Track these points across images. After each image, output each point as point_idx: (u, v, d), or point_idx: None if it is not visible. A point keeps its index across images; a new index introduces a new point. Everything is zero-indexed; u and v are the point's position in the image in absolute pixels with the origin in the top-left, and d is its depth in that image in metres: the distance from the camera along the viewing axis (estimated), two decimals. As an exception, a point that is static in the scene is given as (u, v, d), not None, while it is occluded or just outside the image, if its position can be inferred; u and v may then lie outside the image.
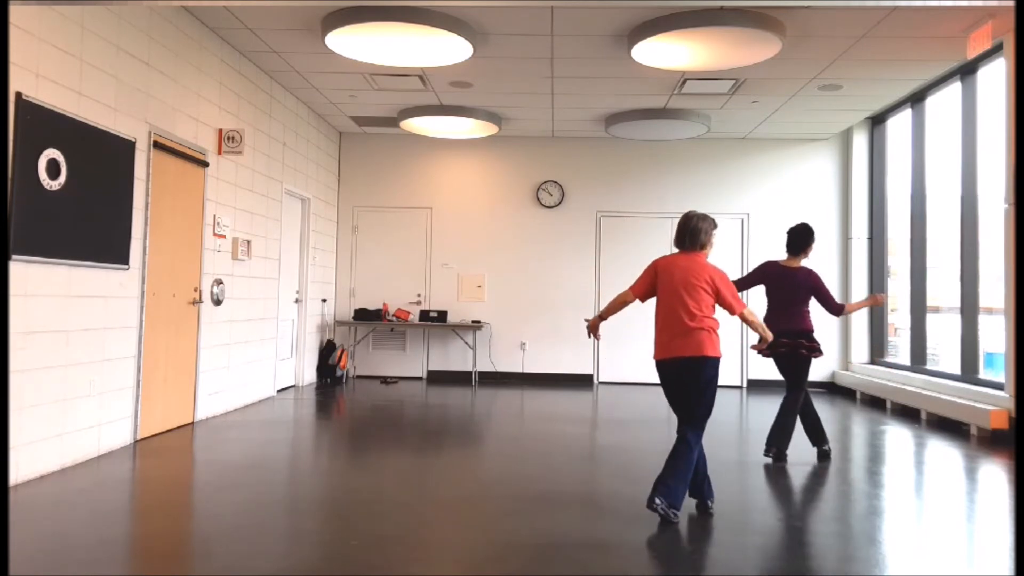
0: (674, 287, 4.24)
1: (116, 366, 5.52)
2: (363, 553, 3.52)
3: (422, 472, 5.10)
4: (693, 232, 4.34)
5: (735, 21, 5.92)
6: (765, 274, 5.83)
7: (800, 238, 5.77)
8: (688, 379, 4.19)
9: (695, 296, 4.20)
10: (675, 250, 4.45)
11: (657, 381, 9.21)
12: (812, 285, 5.72)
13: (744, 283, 5.79)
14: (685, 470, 4.10)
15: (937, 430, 7.16)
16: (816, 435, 5.77)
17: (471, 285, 10.62)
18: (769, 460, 5.65)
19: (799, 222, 5.95)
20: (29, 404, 4.60)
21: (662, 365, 4.28)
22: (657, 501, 4.01)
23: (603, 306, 4.41)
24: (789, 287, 5.73)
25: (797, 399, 5.69)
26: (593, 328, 4.58)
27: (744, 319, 4.42)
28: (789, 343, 5.65)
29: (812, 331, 5.73)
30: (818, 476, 5.22)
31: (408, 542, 3.68)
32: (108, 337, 5.40)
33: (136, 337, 5.76)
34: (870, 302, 5.97)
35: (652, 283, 4.37)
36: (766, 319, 5.77)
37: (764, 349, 5.50)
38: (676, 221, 10.91)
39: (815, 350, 5.68)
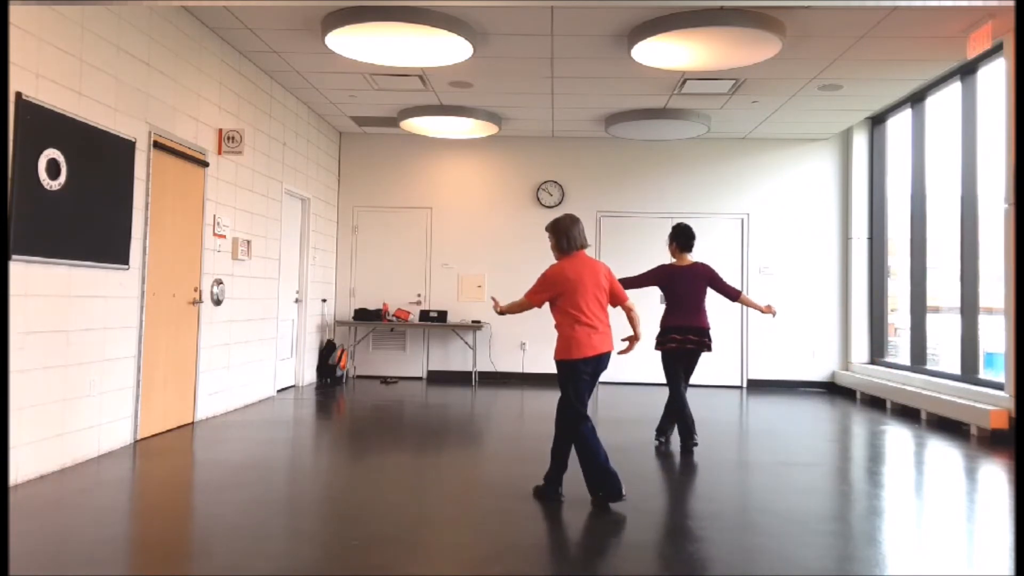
0: (587, 288, 4.42)
1: (116, 366, 5.52)
2: (363, 553, 3.52)
3: (422, 472, 5.10)
4: (577, 234, 4.52)
5: (735, 21, 5.92)
6: (660, 276, 6.14)
7: (690, 236, 6.13)
8: (600, 372, 4.47)
9: (602, 295, 4.49)
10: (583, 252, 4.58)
11: (658, 381, 9.24)
12: (709, 276, 6.07)
13: (638, 281, 6.12)
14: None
15: (937, 430, 7.16)
16: (690, 432, 6.02)
17: (471, 285, 10.62)
18: (659, 444, 6.13)
19: (679, 222, 6.41)
20: (29, 404, 4.60)
21: (587, 362, 4.38)
22: (623, 494, 4.30)
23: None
24: (689, 283, 6.05)
25: (684, 392, 6.08)
26: (496, 306, 4.70)
27: (629, 310, 4.65)
28: (697, 340, 5.99)
29: (710, 328, 6.08)
30: (818, 476, 5.22)
31: (408, 542, 3.68)
32: (108, 337, 5.40)
33: (136, 337, 5.76)
34: (765, 309, 6.15)
35: (552, 295, 4.47)
36: (666, 317, 6.13)
37: (671, 346, 5.99)
38: (675, 221, 10.94)
39: (709, 347, 6.04)
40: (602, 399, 8.97)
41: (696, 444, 5.98)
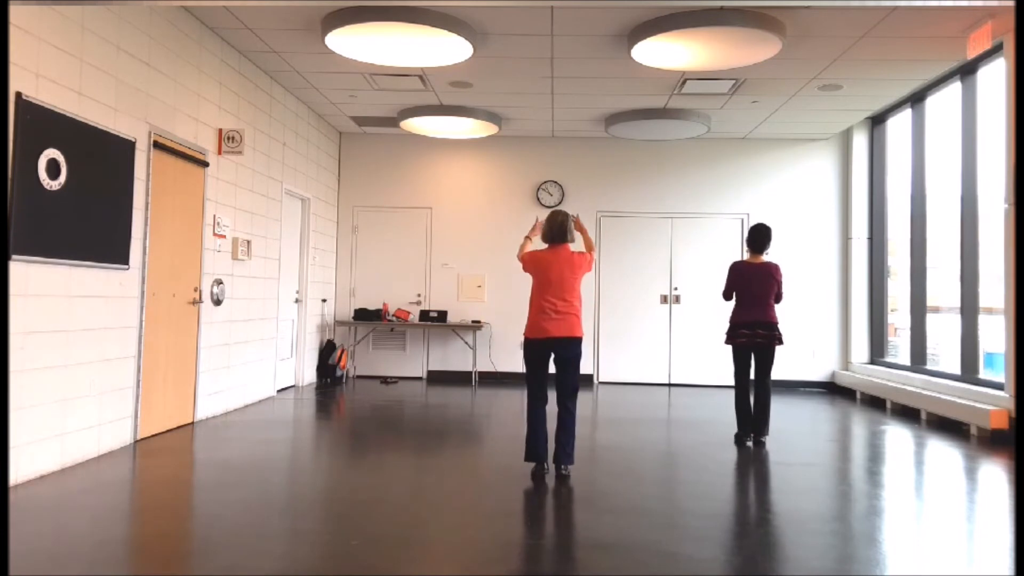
0: (550, 278, 4.99)
1: (116, 366, 5.52)
2: (363, 553, 3.52)
3: (422, 472, 5.11)
4: (562, 229, 5.08)
5: (735, 21, 5.92)
6: (739, 274, 6.37)
7: (765, 236, 6.37)
8: (561, 356, 4.96)
9: (567, 285, 4.98)
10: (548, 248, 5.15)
11: (657, 381, 9.35)
12: (775, 279, 6.31)
13: (728, 292, 6.44)
14: (574, 433, 4.97)
15: (937, 430, 7.16)
16: (759, 425, 6.22)
17: (471, 285, 10.61)
18: (750, 444, 6.22)
19: (758, 222, 6.67)
20: (29, 404, 4.60)
21: (535, 343, 4.97)
22: (564, 468, 4.91)
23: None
24: (761, 281, 6.27)
25: (757, 386, 6.27)
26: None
27: (589, 246, 5.26)
28: (766, 334, 6.21)
29: (777, 322, 6.31)
30: (818, 476, 5.22)
31: (408, 542, 3.68)
32: (108, 337, 5.40)
33: (136, 337, 5.76)
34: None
35: (530, 270, 5.13)
36: (735, 313, 6.35)
37: (740, 340, 6.25)
38: (675, 220, 10.92)
39: (780, 339, 6.27)
40: (602, 399, 8.97)
41: (759, 441, 6.19)
